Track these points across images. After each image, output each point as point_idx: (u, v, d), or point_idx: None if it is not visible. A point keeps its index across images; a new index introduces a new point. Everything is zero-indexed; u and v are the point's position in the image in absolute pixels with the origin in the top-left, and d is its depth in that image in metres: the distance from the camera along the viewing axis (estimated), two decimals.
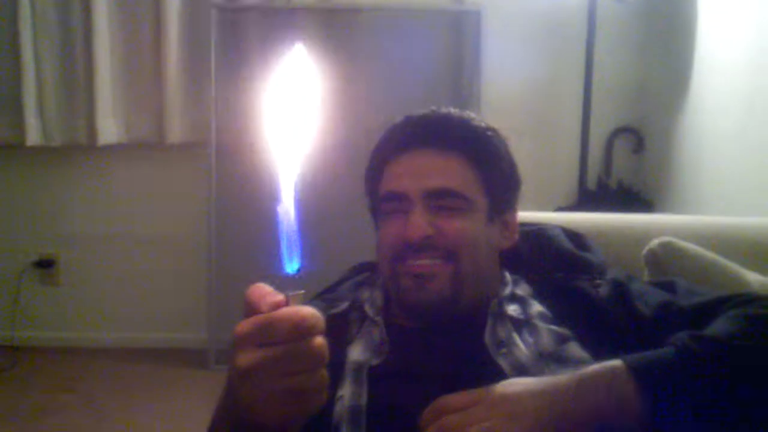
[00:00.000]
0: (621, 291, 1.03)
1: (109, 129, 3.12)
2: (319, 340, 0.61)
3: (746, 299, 0.95)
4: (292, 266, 0.63)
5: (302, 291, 0.63)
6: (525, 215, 1.16)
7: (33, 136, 3.09)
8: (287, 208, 0.63)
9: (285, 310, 0.61)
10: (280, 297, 0.62)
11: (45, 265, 3.30)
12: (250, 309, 0.62)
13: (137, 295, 3.32)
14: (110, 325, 3.32)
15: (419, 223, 0.99)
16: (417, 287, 1.00)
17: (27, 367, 3.06)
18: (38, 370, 3.04)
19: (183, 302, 3.29)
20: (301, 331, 0.60)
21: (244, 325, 0.62)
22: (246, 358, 0.61)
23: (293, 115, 0.63)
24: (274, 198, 0.63)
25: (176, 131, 3.13)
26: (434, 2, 3.16)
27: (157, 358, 3.16)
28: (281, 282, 0.63)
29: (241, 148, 3.12)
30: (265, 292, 0.63)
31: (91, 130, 3.09)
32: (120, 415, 2.63)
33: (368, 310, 1.06)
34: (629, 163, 3.18)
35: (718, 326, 0.88)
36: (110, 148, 3.15)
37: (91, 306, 3.32)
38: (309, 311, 0.61)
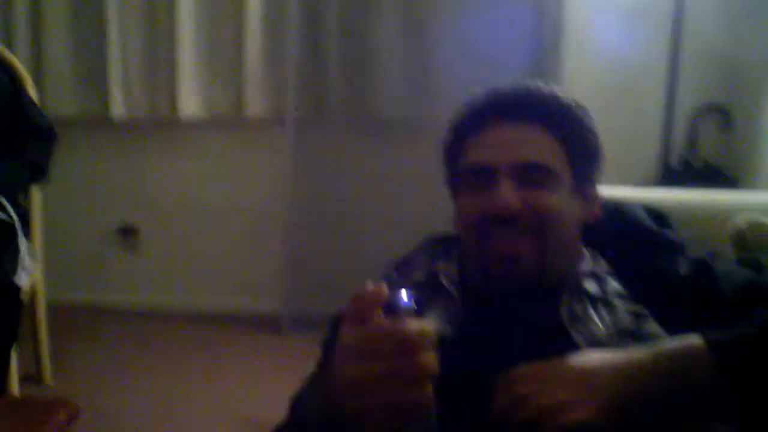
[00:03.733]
0: (703, 271, 1.00)
1: (190, 103, 3.19)
2: (426, 357, 0.61)
3: None
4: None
5: (415, 305, 0.63)
6: (605, 191, 1.13)
7: (118, 110, 3.19)
8: None
9: (392, 327, 0.60)
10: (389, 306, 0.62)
11: (127, 232, 3.42)
12: (357, 314, 0.62)
13: (214, 263, 3.41)
14: (188, 290, 3.43)
15: (508, 195, 0.96)
16: (503, 266, 0.98)
17: (110, 328, 3.19)
18: (121, 332, 3.15)
19: (258, 270, 3.36)
20: (406, 348, 0.60)
21: (350, 337, 0.62)
22: (351, 371, 0.61)
23: None
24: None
25: (256, 106, 3.18)
26: None
27: (232, 322, 3.23)
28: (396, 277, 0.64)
29: (320, 124, 3.17)
30: (374, 299, 0.62)
31: (173, 103, 3.17)
32: (197, 376, 2.72)
33: (444, 282, 1.05)
34: (716, 142, 3.06)
35: None
36: (192, 122, 3.23)
37: (170, 272, 3.43)
38: (417, 328, 0.60)
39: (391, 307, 0.62)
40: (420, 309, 0.64)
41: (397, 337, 0.60)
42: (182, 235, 3.42)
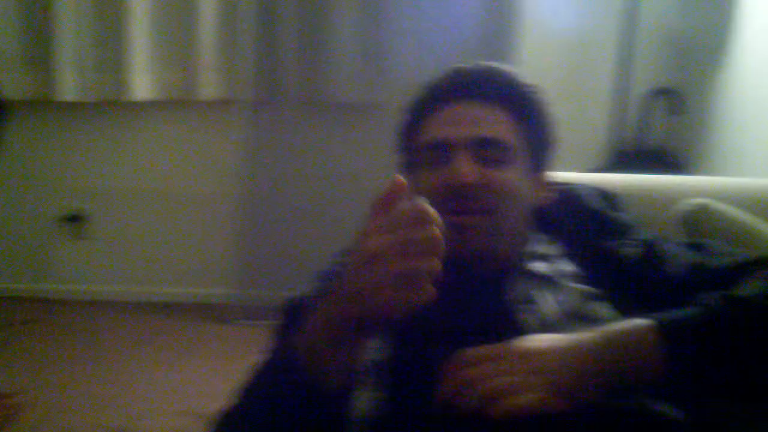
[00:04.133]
0: (652, 251, 1.01)
1: (141, 85, 3.11)
2: (437, 230, 0.71)
3: None
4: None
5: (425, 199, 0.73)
6: (557, 175, 1.14)
7: (64, 91, 3.09)
8: None
9: (410, 204, 0.72)
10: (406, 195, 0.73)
11: (75, 219, 3.34)
12: (387, 200, 0.72)
13: (165, 251, 3.35)
14: (138, 279, 3.36)
15: (465, 169, 0.97)
16: (457, 239, 0.95)
17: (56, 319, 3.11)
18: (67, 322, 3.08)
19: (210, 258, 3.31)
20: (422, 218, 0.70)
21: (377, 216, 0.72)
22: (376, 241, 0.71)
23: None
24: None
25: (209, 88, 3.12)
26: None
27: (182, 312, 3.19)
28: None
29: (275, 105, 3.12)
30: (400, 189, 0.73)
31: (124, 85, 3.09)
32: (146, 367, 2.67)
33: None
34: (667, 126, 3.10)
35: (749, 287, 0.86)
36: (142, 104, 3.15)
37: (119, 260, 3.37)
38: (430, 208, 0.71)
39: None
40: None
41: (416, 209, 0.71)
42: (132, 222, 3.35)
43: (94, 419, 2.26)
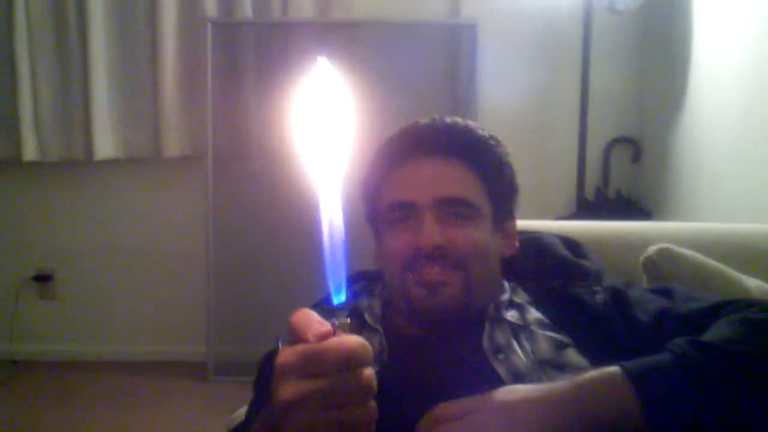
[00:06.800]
0: (618, 298, 1.03)
1: (105, 144, 3.12)
2: (368, 372, 0.59)
3: (745, 304, 0.94)
4: (338, 297, 0.61)
5: (348, 319, 0.61)
6: (522, 224, 1.16)
7: (30, 152, 3.09)
8: (333, 231, 0.60)
9: (333, 341, 0.58)
10: (326, 326, 0.59)
11: (43, 279, 3.29)
12: (295, 337, 0.59)
13: (135, 309, 3.31)
14: (109, 338, 3.32)
15: (431, 231, 0.98)
16: (429, 295, 0.99)
17: (26, 380, 3.05)
18: (37, 383, 3.03)
19: (182, 315, 3.28)
20: (349, 362, 0.58)
21: (289, 355, 0.59)
22: (291, 389, 0.58)
23: (322, 127, 0.60)
24: (315, 219, 0.60)
25: (173, 146, 3.13)
26: (430, 15, 3.17)
27: (156, 370, 3.15)
28: (324, 309, 0.61)
29: (237, 161, 3.13)
30: (310, 320, 0.60)
31: (88, 145, 3.09)
32: (119, 425, 2.62)
33: (368, 318, 1.05)
34: (627, 173, 3.18)
35: (716, 331, 0.88)
36: (107, 163, 3.15)
37: (89, 319, 3.32)
38: (357, 342, 0.59)
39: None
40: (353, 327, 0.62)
41: (341, 351, 0.58)
42: (100, 280, 3.32)
43: None
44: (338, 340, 0.58)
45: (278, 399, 0.59)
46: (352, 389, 0.58)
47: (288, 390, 0.58)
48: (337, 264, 0.60)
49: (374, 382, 0.59)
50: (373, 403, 0.59)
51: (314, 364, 0.58)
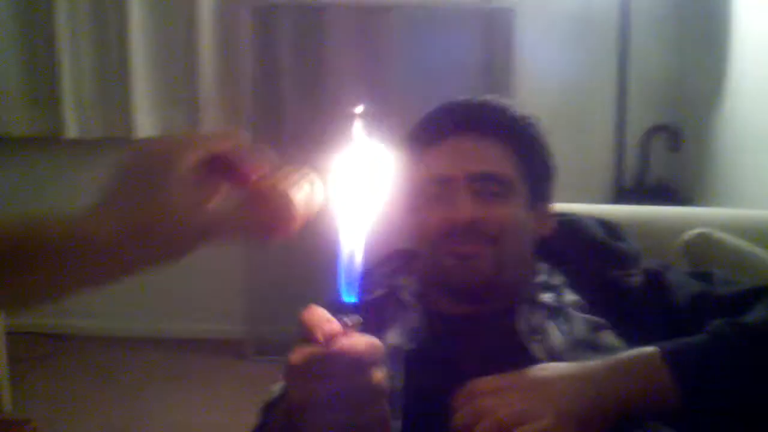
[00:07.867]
0: (656, 281, 1.03)
1: (145, 124, 3.16)
2: (378, 374, 0.58)
3: None
4: (349, 297, 0.61)
5: (359, 318, 0.60)
6: (559, 206, 1.16)
7: (71, 129, 3.14)
8: (352, 239, 0.62)
9: (342, 344, 0.58)
10: (336, 326, 0.59)
11: None
12: (306, 336, 0.59)
13: (176, 287, 3.34)
14: (150, 315, 3.37)
15: (466, 206, 0.99)
16: (462, 267, 1.00)
17: (69, 355, 3.11)
18: (80, 358, 3.08)
19: (222, 294, 3.31)
20: (358, 366, 0.58)
21: (299, 357, 0.59)
22: (303, 391, 0.59)
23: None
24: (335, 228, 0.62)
25: (210, 125, 3.15)
26: (466, 0, 3.15)
27: (196, 348, 3.19)
28: (336, 306, 0.60)
29: (276, 142, 3.15)
30: (321, 318, 0.59)
31: (128, 124, 3.14)
32: (159, 404, 2.66)
33: (405, 296, 1.06)
34: (667, 161, 3.14)
35: (755, 314, 0.87)
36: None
37: (131, 297, 3.36)
38: (366, 344, 0.58)
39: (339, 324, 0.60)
40: (369, 324, 0.61)
41: (350, 355, 0.57)
42: None
43: None
44: (346, 344, 0.58)
45: (290, 400, 0.61)
46: (361, 392, 0.58)
47: (298, 392, 0.60)
48: (351, 264, 0.61)
49: (385, 384, 0.59)
50: (385, 404, 0.60)
51: (323, 368, 0.58)
